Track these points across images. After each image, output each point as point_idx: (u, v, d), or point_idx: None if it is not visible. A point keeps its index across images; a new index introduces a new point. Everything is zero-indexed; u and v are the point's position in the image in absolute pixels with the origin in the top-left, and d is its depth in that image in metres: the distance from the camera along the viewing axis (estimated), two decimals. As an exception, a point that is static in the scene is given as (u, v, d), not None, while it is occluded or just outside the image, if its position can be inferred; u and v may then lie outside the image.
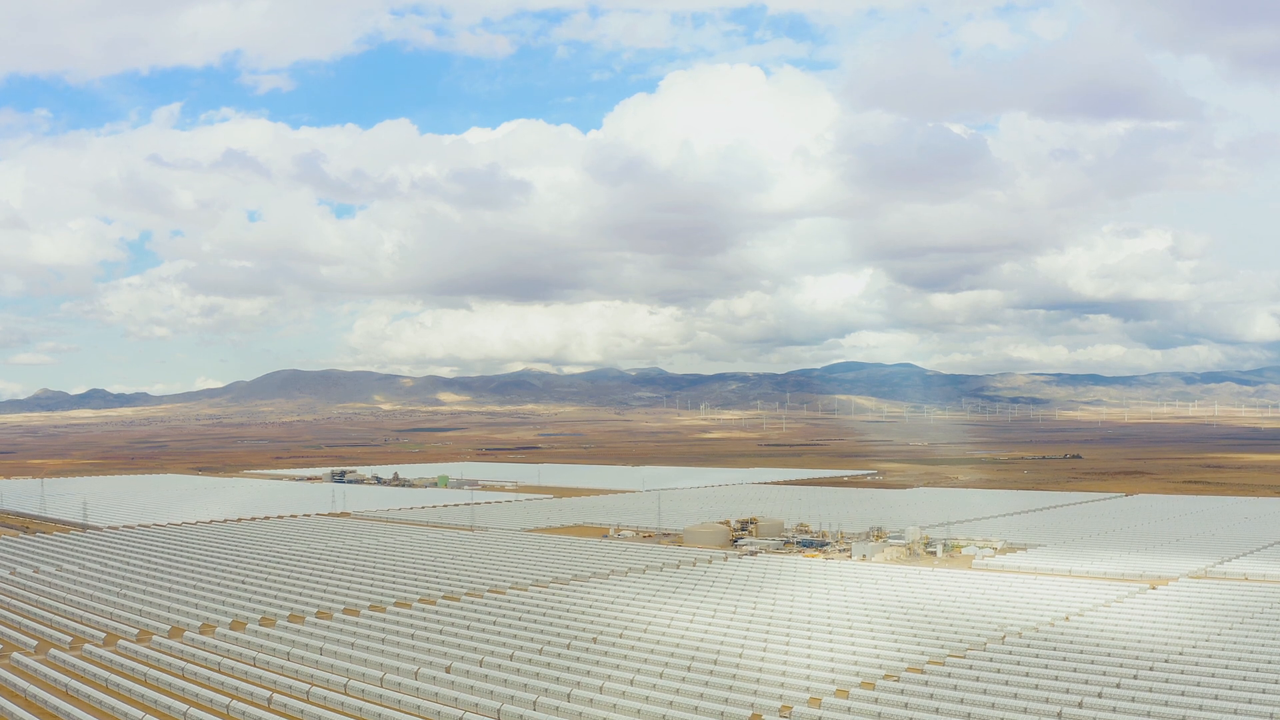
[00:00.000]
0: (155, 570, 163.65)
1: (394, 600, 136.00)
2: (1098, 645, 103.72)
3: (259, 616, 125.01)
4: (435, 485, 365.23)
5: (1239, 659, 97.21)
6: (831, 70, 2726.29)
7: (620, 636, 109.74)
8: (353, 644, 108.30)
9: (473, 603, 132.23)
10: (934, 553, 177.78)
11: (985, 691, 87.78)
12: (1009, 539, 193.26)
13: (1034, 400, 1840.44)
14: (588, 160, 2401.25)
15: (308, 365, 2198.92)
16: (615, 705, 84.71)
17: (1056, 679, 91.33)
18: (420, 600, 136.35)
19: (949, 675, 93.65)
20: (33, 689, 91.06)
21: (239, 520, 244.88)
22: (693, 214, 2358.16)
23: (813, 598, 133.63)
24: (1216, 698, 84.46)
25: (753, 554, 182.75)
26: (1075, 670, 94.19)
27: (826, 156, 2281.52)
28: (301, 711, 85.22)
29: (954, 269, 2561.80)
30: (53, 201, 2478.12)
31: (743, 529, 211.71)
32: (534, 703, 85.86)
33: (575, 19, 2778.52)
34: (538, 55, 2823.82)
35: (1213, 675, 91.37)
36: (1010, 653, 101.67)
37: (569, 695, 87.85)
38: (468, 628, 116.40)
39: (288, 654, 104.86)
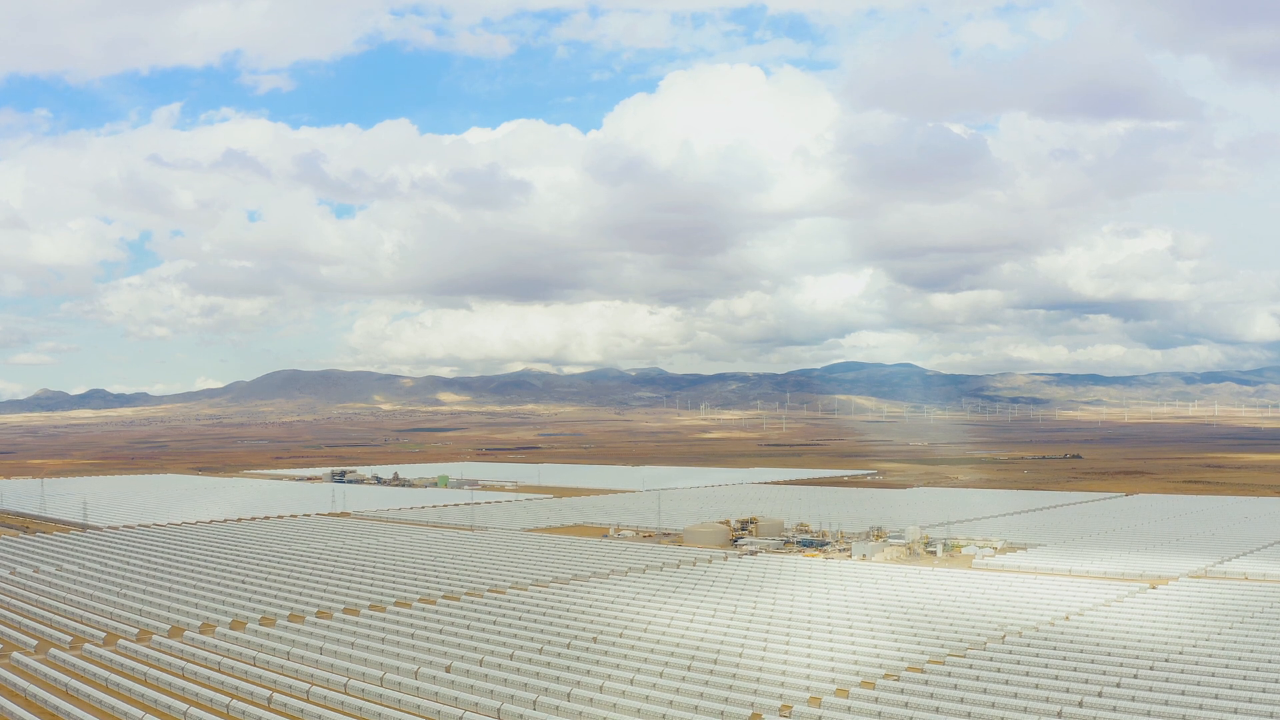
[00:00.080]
0: (155, 570, 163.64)
1: (394, 600, 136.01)
2: (1098, 645, 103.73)
3: (259, 616, 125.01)
4: (435, 485, 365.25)
5: (1239, 658, 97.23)
6: (831, 70, 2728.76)
7: (620, 636, 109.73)
8: (353, 644, 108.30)
9: (473, 602, 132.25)
10: (934, 552, 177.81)
11: (985, 691, 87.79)
12: (1009, 539, 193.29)
13: (1034, 400, 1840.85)
14: (588, 160, 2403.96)
15: (308, 365, 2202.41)
16: (615, 705, 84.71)
17: (1057, 678, 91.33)
18: (420, 600, 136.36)
19: (949, 675, 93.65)
20: (33, 688, 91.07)
21: (239, 520, 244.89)
22: (693, 214, 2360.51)
23: (813, 597, 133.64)
24: (1217, 697, 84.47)
25: (753, 554, 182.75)
26: (1075, 669, 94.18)
27: (826, 156, 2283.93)
28: (301, 711, 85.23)
29: (954, 269, 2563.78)
30: (53, 201, 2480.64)
31: (743, 529, 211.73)
32: (534, 702, 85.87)
33: (575, 19, 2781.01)
34: (538, 55, 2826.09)
35: (1213, 674, 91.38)
36: (1010, 652, 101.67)
37: (569, 695, 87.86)
38: (468, 627, 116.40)
39: (288, 654, 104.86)
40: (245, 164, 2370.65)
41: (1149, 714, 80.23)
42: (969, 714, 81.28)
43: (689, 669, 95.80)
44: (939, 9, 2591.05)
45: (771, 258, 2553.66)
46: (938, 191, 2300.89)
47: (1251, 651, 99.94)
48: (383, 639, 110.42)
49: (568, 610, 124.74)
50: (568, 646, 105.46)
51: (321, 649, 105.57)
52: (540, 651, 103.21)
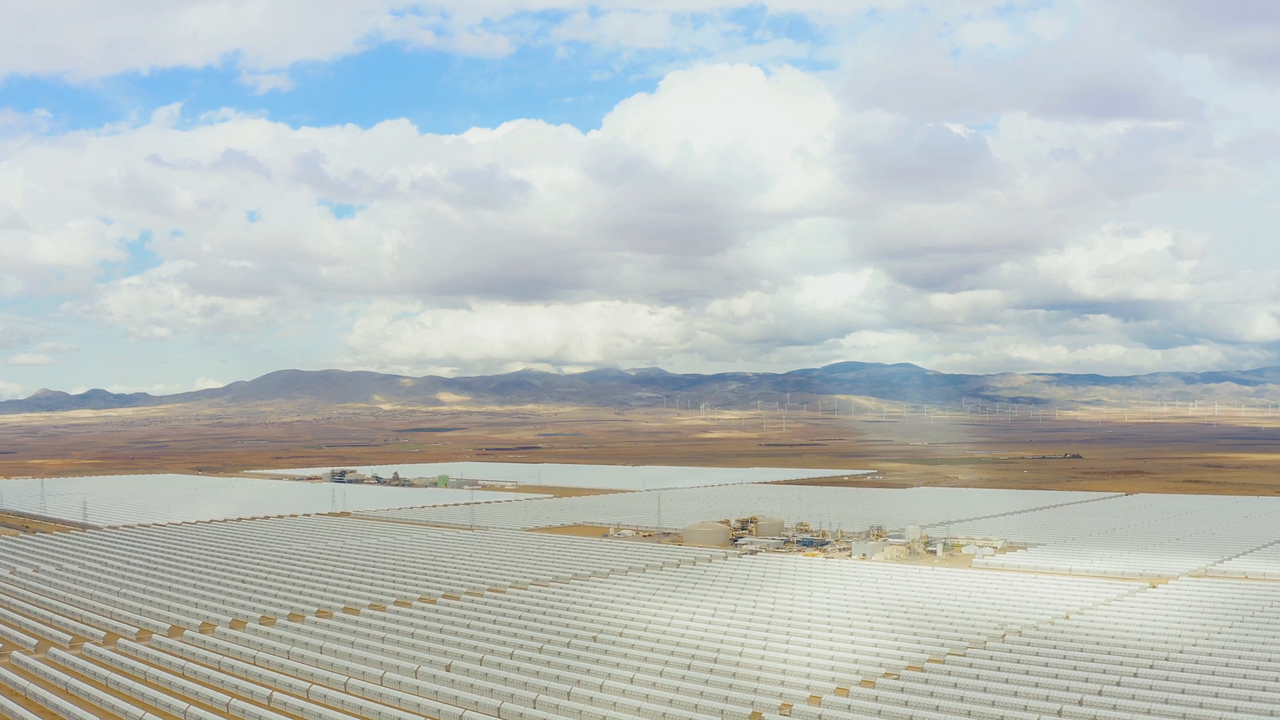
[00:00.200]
0: (155, 569, 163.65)
1: (394, 599, 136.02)
2: (1098, 643, 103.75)
3: (259, 615, 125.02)
4: (435, 485, 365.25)
5: (1239, 657, 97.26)
6: (831, 70, 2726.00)
7: (620, 635, 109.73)
8: (353, 643, 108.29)
9: (473, 601, 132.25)
10: (934, 552, 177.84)
11: (986, 689, 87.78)
12: (1009, 538, 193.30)
13: (1034, 400, 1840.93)
14: (587, 160, 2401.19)
15: (308, 365, 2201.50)
16: (615, 703, 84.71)
17: (1057, 677, 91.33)
18: (420, 599, 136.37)
19: (949, 673, 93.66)
20: (33, 687, 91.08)
21: (239, 520, 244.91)
22: (693, 214, 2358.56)
23: (813, 596, 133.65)
24: (1217, 695, 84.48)
25: (753, 553, 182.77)
26: (1076, 668, 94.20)
27: (826, 156, 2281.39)
28: (301, 710, 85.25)
29: (954, 269, 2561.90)
30: (53, 201, 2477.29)
31: (743, 528, 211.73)
32: (534, 701, 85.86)
33: (575, 19, 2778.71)
34: (537, 55, 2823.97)
35: (1213, 673, 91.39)
36: (1011, 651, 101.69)
37: (569, 693, 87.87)
38: (468, 626, 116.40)
39: (288, 653, 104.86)
40: (245, 164, 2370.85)
41: (1149, 712, 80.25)
42: (969, 712, 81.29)
43: (689, 668, 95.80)
44: (939, 9, 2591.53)
45: (771, 258, 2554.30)
46: (938, 191, 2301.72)
47: (1251, 650, 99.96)
48: (383, 638, 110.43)
49: (568, 609, 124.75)
50: (568, 645, 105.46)
51: (321, 648, 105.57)
52: (540, 650, 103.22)
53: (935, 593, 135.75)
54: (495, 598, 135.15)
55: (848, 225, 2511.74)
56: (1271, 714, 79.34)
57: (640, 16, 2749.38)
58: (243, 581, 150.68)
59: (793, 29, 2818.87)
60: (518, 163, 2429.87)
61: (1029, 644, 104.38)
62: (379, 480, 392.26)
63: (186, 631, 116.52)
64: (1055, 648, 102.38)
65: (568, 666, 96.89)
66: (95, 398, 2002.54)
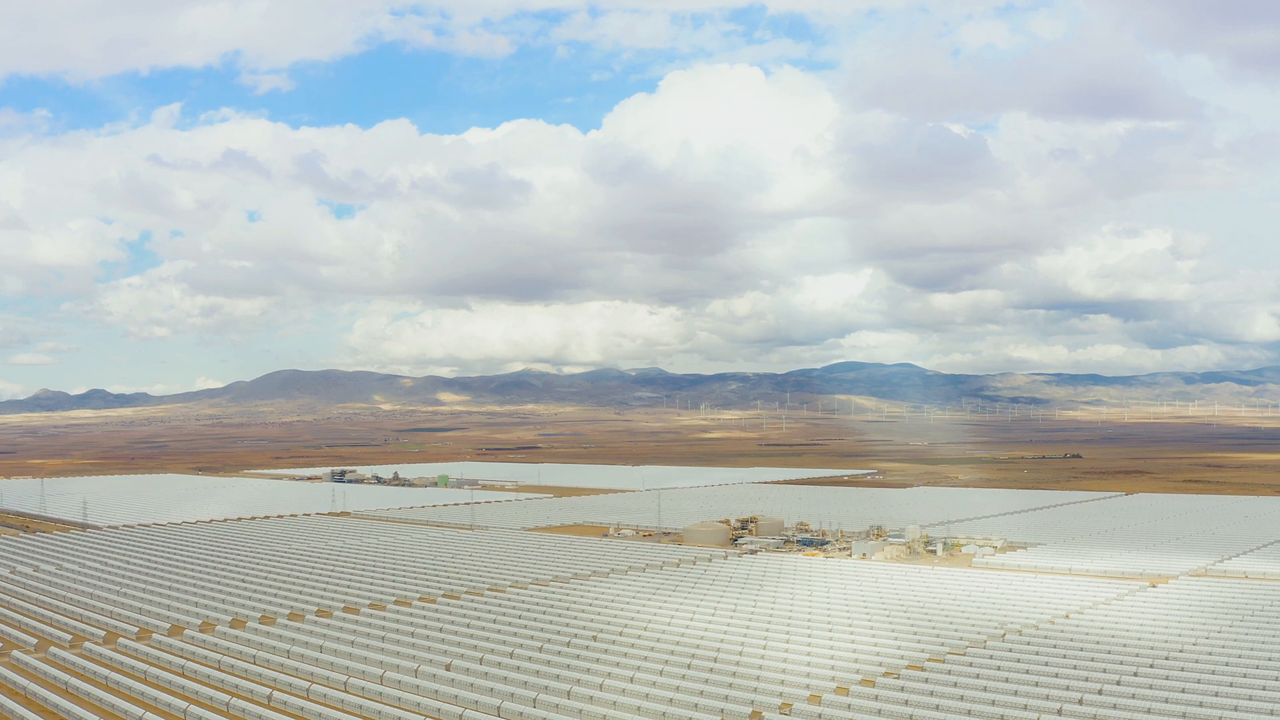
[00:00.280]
0: (155, 569, 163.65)
1: (394, 599, 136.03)
2: (1098, 642, 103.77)
3: (259, 615, 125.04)
4: (435, 485, 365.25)
5: (1239, 656, 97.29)
6: (831, 70, 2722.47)
7: (620, 634, 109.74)
8: (353, 642, 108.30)
9: (472, 601, 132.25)
10: (934, 551, 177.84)
11: (986, 688, 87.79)
12: (1009, 538, 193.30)
13: (1034, 400, 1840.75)
14: (587, 160, 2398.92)
15: (308, 365, 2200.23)
16: (615, 703, 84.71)
17: (1057, 676, 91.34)
18: (420, 599, 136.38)
19: (949, 672, 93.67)
20: (33, 687, 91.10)
21: (239, 519, 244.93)
22: (693, 214, 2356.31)
23: (813, 596, 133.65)
24: (1217, 694, 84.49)
25: (753, 552, 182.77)
26: (1076, 667, 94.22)
27: (826, 156, 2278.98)
28: (302, 709, 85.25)
29: (954, 269, 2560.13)
30: (53, 201, 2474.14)
31: (743, 528, 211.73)
32: (534, 700, 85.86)
33: (575, 19, 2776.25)
34: (537, 55, 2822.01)
35: (1213, 672, 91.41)
36: (1011, 650, 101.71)
37: (569, 693, 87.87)
38: (467, 626, 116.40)
39: (288, 652, 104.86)
40: (245, 164, 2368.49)
41: (1149, 711, 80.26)
42: (969, 711, 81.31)
43: (689, 667, 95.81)
44: (939, 9, 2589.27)
45: (771, 258, 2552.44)
46: (938, 191, 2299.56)
47: (1251, 649, 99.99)
48: (383, 637, 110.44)
49: (568, 609, 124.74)
50: (568, 645, 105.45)
51: (321, 647, 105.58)
52: (540, 650, 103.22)
53: (935, 592, 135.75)
54: (495, 597, 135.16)
55: (848, 225, 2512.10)
56: (1272, 713, 79.34)
57: (640, 16, 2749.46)
58: (243, 581, 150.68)
59: (793, 29, 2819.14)
60: (518, 163, 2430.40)
61: (1029, 643, 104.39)
62: (379, 480, 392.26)
63: (186, 631, 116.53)
64: (1055, 647, 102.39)
65: (568, 666, 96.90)
66: (95, 398, 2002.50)
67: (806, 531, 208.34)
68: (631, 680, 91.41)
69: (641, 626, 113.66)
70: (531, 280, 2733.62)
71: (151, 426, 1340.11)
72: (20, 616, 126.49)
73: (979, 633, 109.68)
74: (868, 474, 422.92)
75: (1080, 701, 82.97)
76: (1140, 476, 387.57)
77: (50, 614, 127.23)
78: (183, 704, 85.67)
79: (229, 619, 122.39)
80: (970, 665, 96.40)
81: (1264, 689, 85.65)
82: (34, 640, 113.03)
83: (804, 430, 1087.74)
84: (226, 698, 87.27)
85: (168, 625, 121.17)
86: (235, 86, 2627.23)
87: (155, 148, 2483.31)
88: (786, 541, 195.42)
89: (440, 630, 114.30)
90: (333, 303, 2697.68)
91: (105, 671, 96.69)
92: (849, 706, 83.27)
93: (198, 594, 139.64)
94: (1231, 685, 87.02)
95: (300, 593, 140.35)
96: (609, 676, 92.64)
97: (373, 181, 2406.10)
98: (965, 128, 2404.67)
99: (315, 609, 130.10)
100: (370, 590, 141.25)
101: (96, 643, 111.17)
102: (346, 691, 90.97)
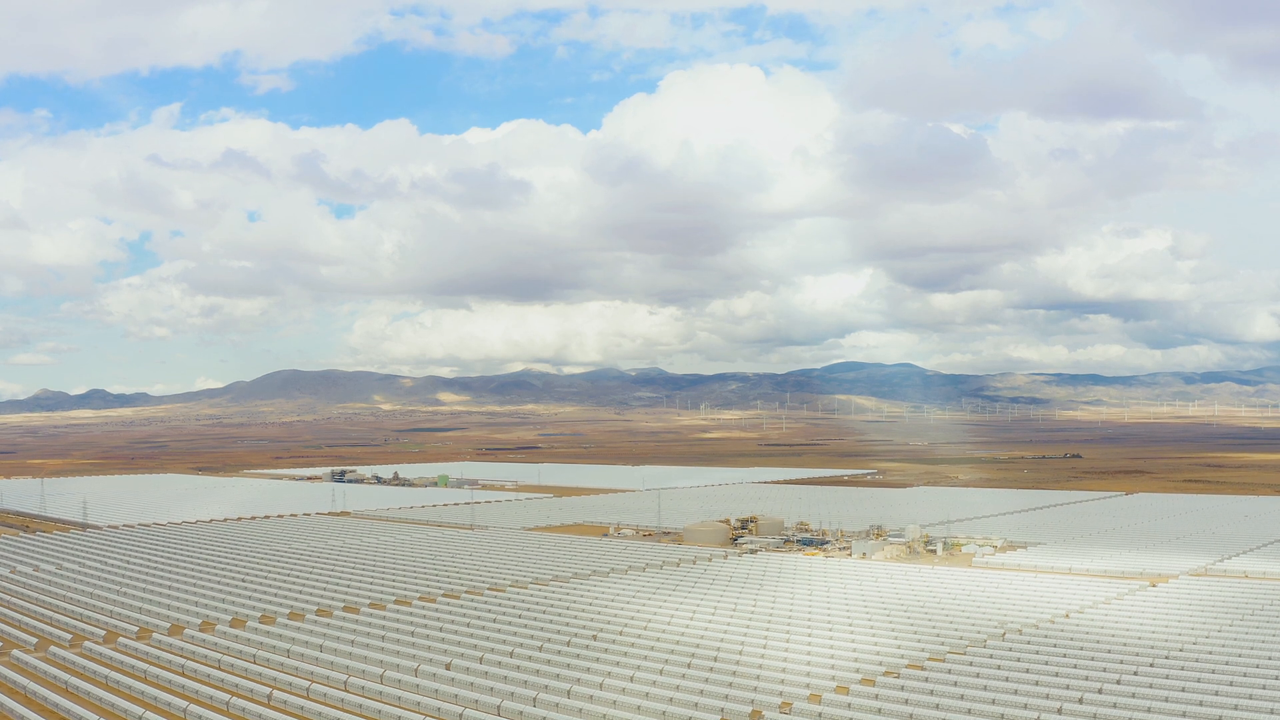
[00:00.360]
0: (155, 568, 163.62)
1: (394, 598, 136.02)
2: (1098, 641, 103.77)
3: (259, 614, 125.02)
4: (435, 485, 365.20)
5: (1239, 655, 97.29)
6: (831, 70, 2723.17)
7: (620, 633, 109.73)
8: (353, 641, 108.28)
9: (472, 600, 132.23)
10: (934, 551, 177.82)
11: (986, 687, 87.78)
12: (1009, 537, 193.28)
13: (1034, 400, 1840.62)
14: (587, 160, 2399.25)
15: (308, 365, 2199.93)
16: (615, 702, 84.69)
17: (1057, 675, 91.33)
18: (420, 598, 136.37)
19: (949, 671, 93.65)
20: (33, 686, 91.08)
21: (239, 519, 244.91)
22: (693, 214, 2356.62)
23: (813, 595, 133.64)
24: (1217, 693, 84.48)
25: (753, 552, 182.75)
26: (1076, 666, 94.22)
27: (826, 156, 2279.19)
28: (302, 708, 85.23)
29: (954, 269, 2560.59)
30: (53, 201, 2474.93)
31: (743, 527, 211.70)
32: (534, 699, 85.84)
33: (575, 19, 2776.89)
34: (537, 55, 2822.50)
35: (1213, 671, 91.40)
36: (1011, 649, 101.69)
37: (569, 692, 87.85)
38: (467, 625, 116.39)
39: (288, 651, 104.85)
40: (245, 164, 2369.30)
41: (1149, 710, 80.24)
42: (970, 710, 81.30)
43: (689, 666, 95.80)
44: (939, 9, 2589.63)
45: (771, 258, 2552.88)
46: (938, 191, 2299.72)
47: (1251, 648, 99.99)
48: (383, 637, 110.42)
49: (568, 608, 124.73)
50: (568, 644, 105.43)
51: (321, 647, 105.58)
52: (540, 649, 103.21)
53: (935, 591, 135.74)
54: (495, 597, 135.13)
55: (848, 225, 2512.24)
56: (1272, 712, 79.33)
57: (640, 16, 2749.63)
58: (243, 580, 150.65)
59: (792, 29, 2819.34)
60: (518, 163, 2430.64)
61: (1029, 642, 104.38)
62: (379, 480, 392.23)
63: (187, 630, 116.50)
64: (1055, 646, 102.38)
65: (568, 665, 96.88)
66: (95, 398, 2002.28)
67: (806, 531, 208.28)
68: (631, 679, 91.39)
69: (641, 626, 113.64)
70: (531, 280, 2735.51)
71: (151, 426, 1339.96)
72: (20, 616, 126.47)
73: (979, 632, 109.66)
74: (868, 474, 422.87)
75: (1080, 700, 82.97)
76: (1140, 476, 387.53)
77: (50, 613, 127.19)
78: (183, 703, 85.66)
79: (229, 618, 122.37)
80: (970, 664, 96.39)
81: (1264, 688, 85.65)
82: (34, 640, 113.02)
83: (804, 430, 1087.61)
84: (226, 697, 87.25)
85: (168, 625, 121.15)
86: (235, 86, 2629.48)
87: (155, 148, 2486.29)
88: (786, 541, 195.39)
89: (440, 630, 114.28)
90: (333, 303, 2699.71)
91: (105, 671, 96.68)
92: (849, 705, 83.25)
93: (198, 593, 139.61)
94: (1232, 684, 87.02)
95: (300, 592, 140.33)
96: (609, 676, 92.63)
97: (373, 181, 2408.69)
98: (965, 128, 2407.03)
99: (315, 608, 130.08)
100: (370, 590, 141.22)
101: (96, 642, 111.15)
102: (347, 691, 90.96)
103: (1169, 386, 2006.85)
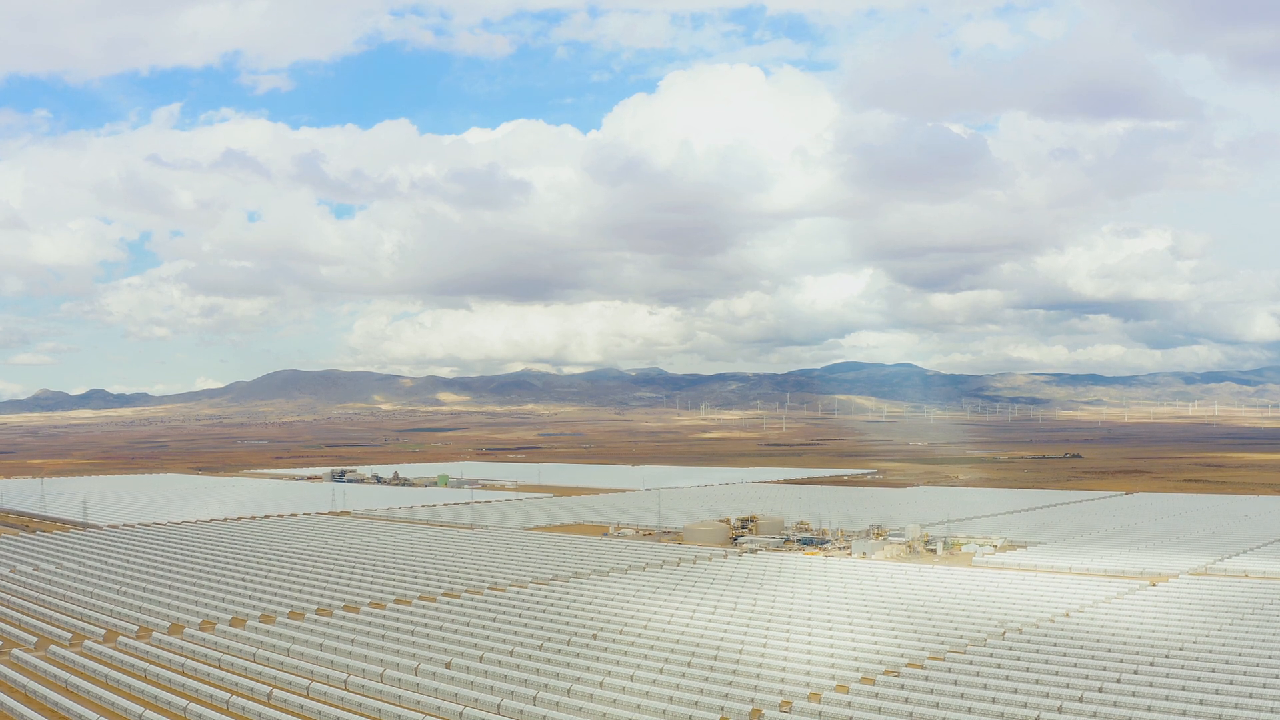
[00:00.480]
0: (155, 568, 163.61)
1: (394, 597, 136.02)
2: (1098, 641, 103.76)
3: (259, 613, 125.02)
4: (435, 484, 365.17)
5: (1239, 654, 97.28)
6: (831, 70, 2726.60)
7: (620, 632, 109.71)
8: (353, 640, 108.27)
9: (472, 600, 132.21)
10: (934, 550, 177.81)
11: (985, 686, 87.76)
12: (1009, 537, 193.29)
13: (1034, 400, 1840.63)
14: (587, 160, 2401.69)
15: (308, 365, 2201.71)
16: (615, 700, 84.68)
17: (1057, 674, 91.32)
18: (420, 597, 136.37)
19: (949, 670, 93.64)
20: (33, 685, 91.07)
21: (239, 519, 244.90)
22: (693, 214, 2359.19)
23: (813, 594, 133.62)
24: (1217, 692, 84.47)
25: (753, 551, 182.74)
26: (1075, 665, 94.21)
27: (826, 156, 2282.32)
28: (302, 707, 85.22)
29: (954, 269, 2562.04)
30: (53, 202, 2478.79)
31: (742, 527, 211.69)
32: (534, 698, 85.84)
33: (574, 19, 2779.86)
34: (537, 55, 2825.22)
35: (1213, 670, 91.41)
36: (1010, 648, 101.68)
37: (569, 690, 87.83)
38: (467, 624, 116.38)
39: (288, 650, 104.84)
40: (245, 164, 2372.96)
41: (1149, 709, 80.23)
42: (969, 709, 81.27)
43: (689, 665, 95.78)
44: (939, 9, 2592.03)
45: (771, 258, 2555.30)
46: (938, 191, 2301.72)
47: (1251, 647, 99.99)
48: (383, 636, 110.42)
49: (567, 607, 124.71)
50: (568, 643, 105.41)
51: (321, 646, 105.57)
52: (540, 648, 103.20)
53: (935, 591, 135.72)
54: (495, 596, 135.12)
55: (848, 225, 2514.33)
56: (1272, 710, 79.31)
57: (640, 17, 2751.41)
58: (243, 580, 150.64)
59: (792, 29, 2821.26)
60: (517, 163, 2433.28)
61: (1029, 641, 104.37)
62: (379, 480, 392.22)
63: (187, 629, 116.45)
64: (1055, 645, 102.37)
65: (568, 664, 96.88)
66: (95, 398, 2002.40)
67: (806, 530, 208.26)
68: (631, 678, 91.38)
69: (641, 625, 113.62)
70: (531, 280, 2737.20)
71: (151, 426, 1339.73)
72: (20, 615, 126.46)
73: (979, 631, 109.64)
74: (868, 473, 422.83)
75: (1081, 699, 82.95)
76: (1140, 476, 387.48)
77: (50, 613, 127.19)
78: (183, 702, 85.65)
79: (229, 618, 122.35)
80: (971, 663, 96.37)
81: (1264, 686, 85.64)
82: (34, 639, 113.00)
83: (804, 430, 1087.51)
84: (227, 696, 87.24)
85: (168, 624, 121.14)
86: (235, 86, 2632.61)
87: (155, 148, 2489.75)
88: (786, 540, 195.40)
89: (440, 629, 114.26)
90: (333, 303, 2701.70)
91: (105, 670, 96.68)
92: (849, 704, 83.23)
93: (198, 593, 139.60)
94: (1232, 683, 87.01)
95: (300, 592, 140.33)
96: (609, 675, 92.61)
97: (373, 181, 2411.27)
98: (965, 128, 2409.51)
99: (315, 608, 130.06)
100: (370, 589, 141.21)
101: (97, 641, 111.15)
102: (347, 690, 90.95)
103: (1169, 386, 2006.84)
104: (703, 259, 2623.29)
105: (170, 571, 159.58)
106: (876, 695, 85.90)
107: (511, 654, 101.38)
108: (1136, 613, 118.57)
